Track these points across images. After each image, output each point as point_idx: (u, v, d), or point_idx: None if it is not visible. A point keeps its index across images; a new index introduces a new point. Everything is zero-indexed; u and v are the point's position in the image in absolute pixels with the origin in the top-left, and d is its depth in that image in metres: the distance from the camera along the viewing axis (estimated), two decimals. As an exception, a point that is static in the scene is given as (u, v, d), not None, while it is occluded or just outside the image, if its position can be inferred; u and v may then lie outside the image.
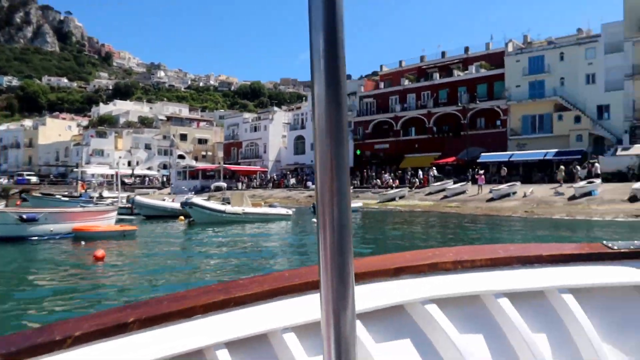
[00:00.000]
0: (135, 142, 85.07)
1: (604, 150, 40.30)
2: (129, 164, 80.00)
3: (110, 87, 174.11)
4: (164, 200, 31.70)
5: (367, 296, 1.63)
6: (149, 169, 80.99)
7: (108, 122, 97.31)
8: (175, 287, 9.36)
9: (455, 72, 53.00)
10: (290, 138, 67.98)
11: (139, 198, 28.13)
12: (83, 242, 15.56)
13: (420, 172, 44.65)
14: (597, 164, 35.47)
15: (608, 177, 34.78)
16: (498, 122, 47.85)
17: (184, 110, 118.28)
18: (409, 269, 1.75)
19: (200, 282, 10.09)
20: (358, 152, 58.03)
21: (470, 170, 42.38)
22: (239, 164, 70.82)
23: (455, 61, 54.69)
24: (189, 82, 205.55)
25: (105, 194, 38.76)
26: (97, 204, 27.32)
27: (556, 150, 41.46)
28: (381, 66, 62.06)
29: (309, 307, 1.57)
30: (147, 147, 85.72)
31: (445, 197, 36.51)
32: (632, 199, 28.17)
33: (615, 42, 41.61)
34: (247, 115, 77.30)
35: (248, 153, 72.44)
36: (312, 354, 1.55)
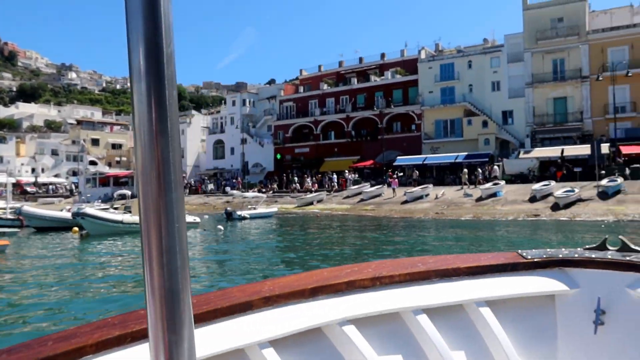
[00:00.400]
0: (40, 148, 78.79)
1: (509, 154, 42.70)
2: (33, 171, 73.89)
3: (14, 89, 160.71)
4: (62, 210, 29.14)
5: (282, 320, 1.58)
6: (56, 176, 75.30)
7: (8, 126, 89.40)
8: (35, 315, 8.13)
9: (372, 77, 54.04)
10: (209, 142, 66.04)
11: (26, 208, 25.50)
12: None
13: (334, 176, 44.87)
14: (495, 167, 37.41)
15: (511, 179, 36.78)
16: (413, 127, 49.28)
17: (96, 114, 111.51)
18: (325, 289, 1.70)
19: (75, 305, 8.87)
20: (278, 156, 57.46)
21: (385, 173, 43.22)
22: (155, 169, 67.64)
23: (372, 67, 55.80)
24: (104, 84, 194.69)
25: (-2, 204, 35.04)
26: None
27: (466, 153, 43.32)
28: (301, 70, 62.03)
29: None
30: (54, 152, 79.68)
31: (362, 200, 36.80)
32: (532, 199, 29.84)
33: (517, 53, 44.31)
34: (163, 118, 73.99)
35: (165, 158, 69.36)
36: None
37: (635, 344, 1.84)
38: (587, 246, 2.15)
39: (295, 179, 49.25)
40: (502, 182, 33.96)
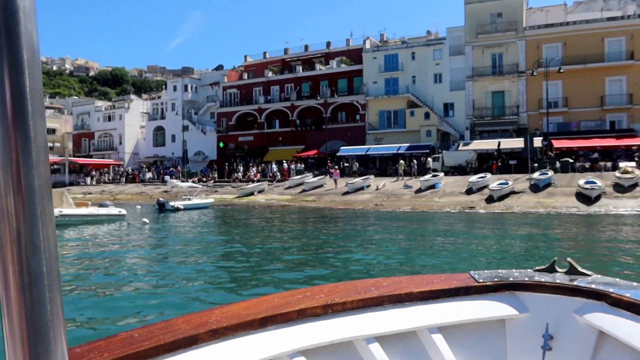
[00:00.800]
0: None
1: (449, 145, 43.45)
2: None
3: None
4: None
5: (230, 355, 1.52)
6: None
7: None
8: None
9: (318, 66, 53.43)
10: (149, 129, 63.38)
11: None
12: None
13: (273, 166, 44.22)
14: (429, 159, 37.98)
15: (450, 171, 37.41)
16: (357, 117, 49.19)
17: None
18: (276, 318, 1.66)
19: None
20: (221, 144, 55.95)
21: (328, 164, 42.98)
22: (91, 156, 64.34)
23: (318, 55, 55.15)
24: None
25: None
26: None
27: (408, 144, 43.70)
28: (245, 57, 60.42)
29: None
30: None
31: (304, 191, 36.31)
32: (469, 191, 30.38)
33: (458, 46, 44.98)
34: (99, 103, 70.38)
35: (101, 145, 66.09)
36: None
37: None
38: (537, 267, 2.17)
39: (241, 168, 48.06)
40: (441, 174, 34.43)
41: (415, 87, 46.78)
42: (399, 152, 42.91)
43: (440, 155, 39.56)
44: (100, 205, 23.33)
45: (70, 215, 20.41)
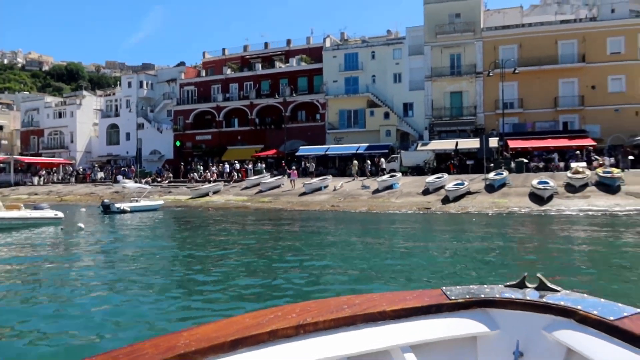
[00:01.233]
0: None
1: (408, 145, 43.39)
2: None
3: None
4: None
5: None
6: None
7: None
8: None
9: (278, 63, 52.54)
10: (103, 126, 60.96)
11: None
12: None
13: (227, 165, 43.25)
14: (382, 159, 37.88)
15: (408, 171, 37.28)
16: (318, 116, 48.59)
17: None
18: (247, 340, 1.63)
19: None
20: (178, 143, 54.30)
21: (282, 164, 42.30)
22: (40, 155, 61.34)
23: (278, 53, 54.28)
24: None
25: None
26: None
27: (367, 144, 43.39)
28: (204, 53, 58.85)
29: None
30: None
31: (261, 191, 35.42)
32: (425, 191, 30.24)
33: (417, 45, 45.00)
34: (49, 98, 67.17)
35: (51, 142, 63.10)
36: None
37: None
38: (508, 283, 2.19)
39: (200, 167, 46.59)
40: (399, 175, 34.22)
41: (375, 86, 46.55)
42: (358, 152, 42.54)
43: (398, 155, 39.39)
44: (35, 208, 21.75)
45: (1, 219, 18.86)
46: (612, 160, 33.43)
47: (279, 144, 48.02)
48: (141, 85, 57.99)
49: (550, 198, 26.25)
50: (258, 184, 36.51)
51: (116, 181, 46.58)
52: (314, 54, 50.92)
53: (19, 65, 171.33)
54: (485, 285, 2.22)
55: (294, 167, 37.61)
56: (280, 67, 52.02)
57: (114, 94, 65.96)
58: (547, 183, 27.43)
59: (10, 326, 6.83)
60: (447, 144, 40.01)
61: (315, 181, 34.37)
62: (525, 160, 34.82)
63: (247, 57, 55.82)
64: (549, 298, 2.00)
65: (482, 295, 2.10)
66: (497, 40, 42.71)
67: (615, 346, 1.68)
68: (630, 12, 41.79)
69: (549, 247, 14.33)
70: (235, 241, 16.53)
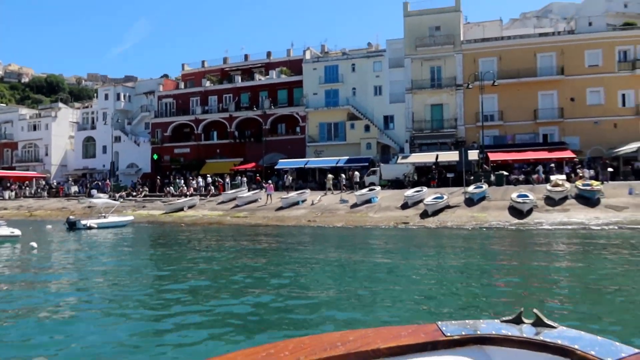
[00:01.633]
0: None
1: (389, 158, 42.83)
2: None
3: None
4: None
5: None
6: None
7: None
8: None
9: (257, 76, 51.89)
10: (79, 139, 59.49)
11: None
12: None
13: (199, 179, 42.36)
14: (356, 173, 37.35)
15: (388, 184, 36.68)
16: (298, 129, 47.90)
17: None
18: None
19: None
20: (155, 156, 53.11)
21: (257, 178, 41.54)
22: (14, 168, 59.61)
23: (258, 65, 53.66)
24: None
25: None
26: None
27: (347, 157, 42.76)
28: (183, 65, 58.01)
29: None
30: None
31: (237, 206, 34.47)
32: (404, 205, 29.59)
33: (398, 58, 44.73)
34: (24, 110, 65.54)
35: (25, 155, 61.38)
36: None
37: None
38: (504, 318, 2.16)
39: (181, 181, 45.23)
40: (378, 188, 33.58)
41: (355, 99, 46.08)
42: (338, 165, 41.86)
43: (378, 168, 38.78)
44: (-11, 226, 20.56)
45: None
46: (592, 172, 33.20)
47: (258, 157, 47.17)
48: (118, 98, 56.82)
49: (529, 212, 25.77)
50: (234, 199, 35.55)
51: (90, 195, 45.24)
52: (294, 66, 50.40)
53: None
54: (481, 320, 2.19)
55: (270, 181, 36.74)
56: (260, 79, 51.37)
57: (89, 106, 64.57)
58: (527, 196, 26.98)
59: None
60: (427, 157, 39.51)
61: (293, 195, 33.56)
62: (506, 173, 34.44)
63: (227, 69, 55.10)
64: (546, 335, 1.98)
65: (479, 332, 2.07)
66: (477, 53, 42.63)
67: None
68: (607, 26, 42.12)
69: (526, 266, 13.67)
70: (202, 260, 15.60)
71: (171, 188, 43.23)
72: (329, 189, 35.23)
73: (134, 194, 44.73)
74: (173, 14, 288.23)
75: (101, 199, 32.31)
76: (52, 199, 46.76)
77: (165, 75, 66.76)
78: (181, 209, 35.02)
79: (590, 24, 41.47)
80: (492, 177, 33.19)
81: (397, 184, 36.67)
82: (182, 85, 56.40)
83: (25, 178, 54.39)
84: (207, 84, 53.19)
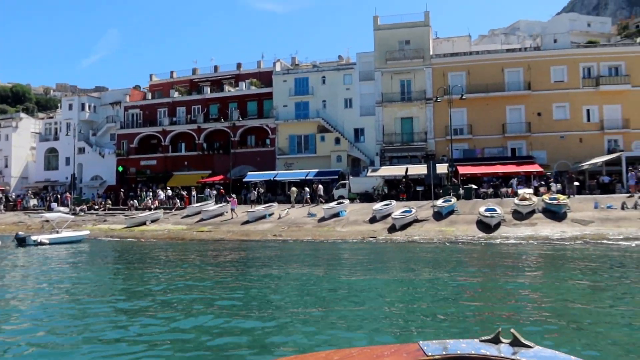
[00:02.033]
0: None
1: (360, 171, 42.46)
2: None
3: None
4: None
5: None
6: None
7: None
8: None
9: (227, 87, 51.09)
10: (41, 150, 57.34)
11: None
12: None
13: (159, 192, 41.17)
14: (320, 186, 36.87)
15: (357, 197, 36.19)
16: (267, 141, 47.17)
17: None
18: None
19: None
20: (120, 168, 51.51)
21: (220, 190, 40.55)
22: (-30, 180, 56.93)
23: (228, 76, 52.87)
24: None
25: None
26: None
27: (317, 170, 42.20)
28: (151, 75, 56.73)
29: None
30: None
31: (202, 220, 33.39)
32: (372, 219, 29.07)
33: (368, 71, 44.65)
34: (-17, 121, 62.99)
35: (-17, 167, 58.75)
36: None
37: None
38: (483, 338, 2.19)
39: (149, 194, 43.67)
40: (347, 202, 33.03)
41: (325, 111, 45.72)
42: (307, 177, 41.24)
43: (347, 181, 38.31)
44: None
45: None
46: (559, 186, 33.40)
47: (227, 169, 46.18)
48: (83, 108, 55.11)
49: (497, 226, 25.56)
50: (199, 212, 34.46)
51: (50, 209, 43.35)
52: (265, 78, 49.82)
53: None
54: (461, 340, 2.22)
55: (233, 196, 35.77)
56: (229, 90, 50.57)
57: (54, 116, 62.50)
58: (495, 210, 26.80)
59: None
60: (397, 170, 39.29)
61: (259, 209, 32.71)
62: (475, 187, 34.39)
63: (196, 80, 54.14)
64: (523, 355, 2.01)
65: (459, 352, 2.11)
66: (446, 67, 42.88)
67: None
68: (572, 44, 43.01)
69: (494, 283, 13.20)
70: (155, 278, 14.63)
71: (135, 201, 41.77)
72: (292, 203, 34.62)
73: (96, 207, 43.08)
74: (144, 25, 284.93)
75: (55, 213, 30.78)
76: (8, 212, 44.64)
77: (138, 87, 65.31)
78: (144, 223, 33.71)
79: (555, 41, 42.27)
80: (461, 191, 33.05)
81: (366, 197, 36.24)
82: (149, 95, 55.09)
83: (-19, 190, 51.93)
84: (176, 94, 52.09)
